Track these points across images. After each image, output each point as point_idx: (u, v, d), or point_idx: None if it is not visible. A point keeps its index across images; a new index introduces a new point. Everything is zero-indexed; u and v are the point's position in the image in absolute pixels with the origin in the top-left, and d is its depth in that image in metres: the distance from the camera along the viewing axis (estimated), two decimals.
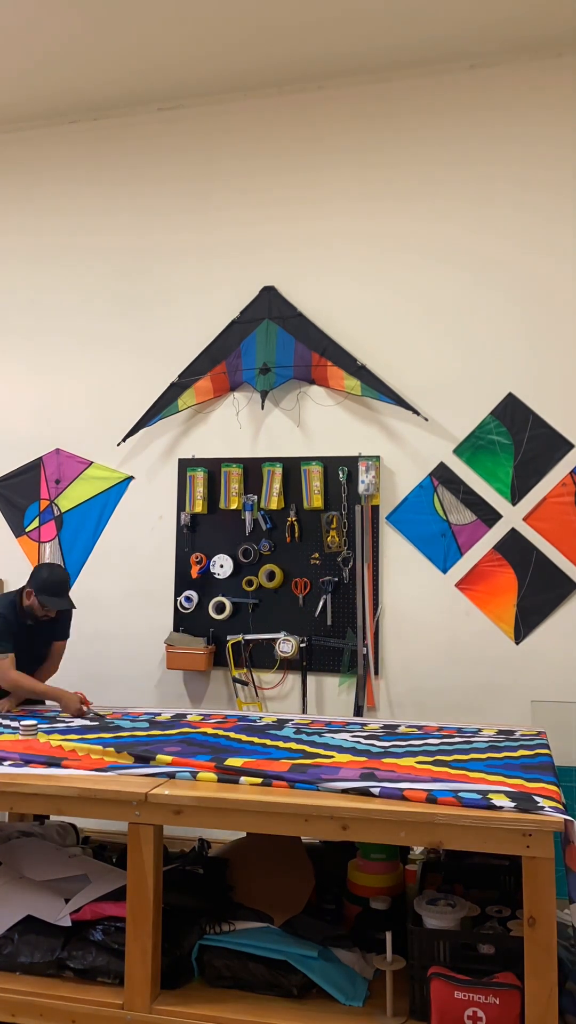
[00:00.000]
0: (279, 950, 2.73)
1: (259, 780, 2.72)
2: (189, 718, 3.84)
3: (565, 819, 2.37)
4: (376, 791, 2.60)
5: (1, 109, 5.03)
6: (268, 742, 3.27)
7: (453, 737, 3.43)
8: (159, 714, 3.98)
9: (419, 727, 3.67)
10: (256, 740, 3.30)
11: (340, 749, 3.16)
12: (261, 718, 3.84)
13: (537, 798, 2.51)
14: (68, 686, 4.87)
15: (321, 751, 3.13)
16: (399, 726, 3.69)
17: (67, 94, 4.87)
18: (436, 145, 4.53)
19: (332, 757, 3.03)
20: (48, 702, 4.01)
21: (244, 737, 3.35)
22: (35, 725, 3.39)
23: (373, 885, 3.03)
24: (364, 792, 2.60)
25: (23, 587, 3.97)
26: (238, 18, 4.15)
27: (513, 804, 2.46)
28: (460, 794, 2.53)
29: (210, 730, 3.48)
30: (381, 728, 3.62)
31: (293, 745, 3.20)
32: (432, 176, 4.53)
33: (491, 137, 4.44)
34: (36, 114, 5.08)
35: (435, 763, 2.96)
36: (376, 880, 3.04)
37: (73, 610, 4.07)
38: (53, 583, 3.87)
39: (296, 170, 4.73)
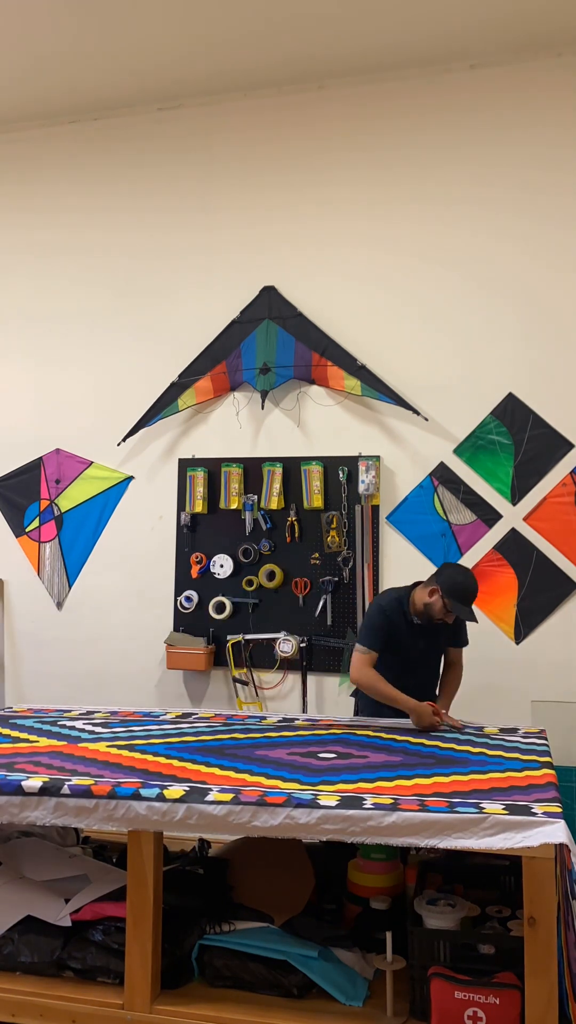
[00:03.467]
0: (279, 950, 2.73)
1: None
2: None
3: (560, 844, 2.35)
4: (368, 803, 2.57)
5: (1, 109, 5.03)
6: (271, 740, 3.28)
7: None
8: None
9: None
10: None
11: (57, 736, 3.33)
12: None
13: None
14: (68, 686, 4.89)
15: (31, 737, 3.30)
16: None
17: (67, 94, 4.87)
18: (436, 145, 4.52)
19: (37, 742, 3.21)
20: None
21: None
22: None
23: (373, 885, 3.03)
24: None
25: (418, 582, 3.66)
26: (238, 18, 4.15)
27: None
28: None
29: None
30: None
31: (13, 732, 3.38)
32: (432, 176, 4.53)
33: (491, 137, 4.44)
34: (36, 114, 5.08)
35: (127, 747, 3.13)
36: (376, 880, 3.03)
37: (475, 622, 3.69)
38: (466, 589, 3.50)
39: (296, 170, 4.73)
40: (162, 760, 2.99)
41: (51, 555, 5.02)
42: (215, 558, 4.70)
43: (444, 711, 3.58)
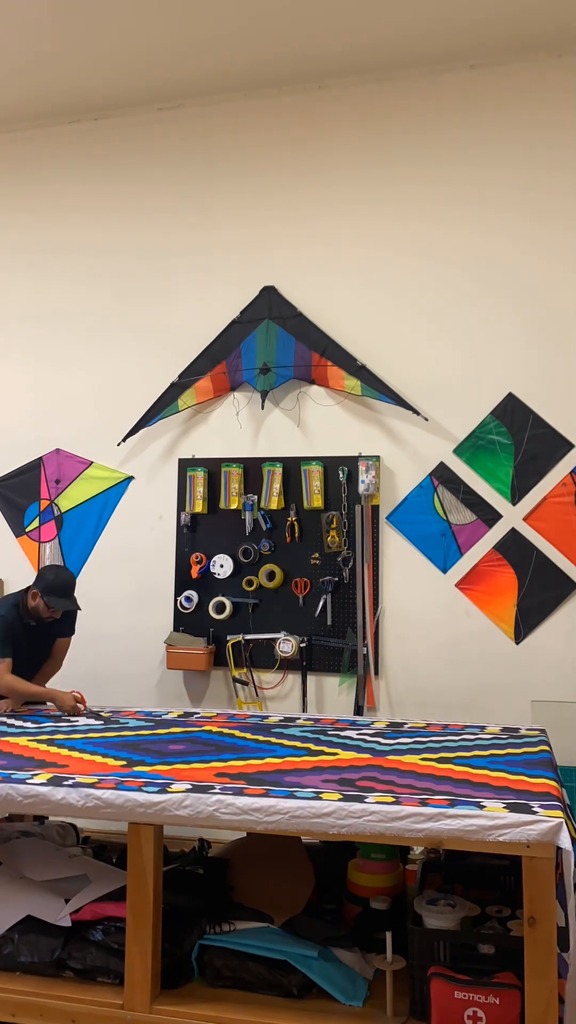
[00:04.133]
0: (279, 950, 2.73)
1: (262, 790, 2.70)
2: (199, 716, 3.85)
3: (565, 850, 2.36)
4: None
5: (1, 109, 5.03)
6: (273, 739, 3.28)
7: (461, 732, 3.43)
8: (167, 713, 3.98)
9: (425, 724, 3.68)
10: (261, 738, 3.31)
11: (344, 747, 3.17)
12: (267, 717, 3.84)
13: (534, 804, 2.50)
14: (68, 686, 4.87)
15: (325, 748, 3.13)
16: (405, 724, 3.69)
17: (67, 94, 4.87)
18: (436, 145, 4.52)
19: (336, 755, 3.04)
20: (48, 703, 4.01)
21: (249, 735, 3.36)
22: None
23: (373, 885, 3.03)
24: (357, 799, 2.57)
25: (27, 588, 3.99)
26: (238, 17, 4.15)
27: (508, 812, 2.44)
28: (457, 805, 2.51)
29: (215, 728, 3.49)
30: (388, 726, 3.62)
31: (298, 744, 3.21)
32: (432, 175, 4.53)
33: (491, 137, 4.44)
34: (36, 114, 5.08)
35: (439, 760, 2.97)
36: (376, 880, 3.04)
37: (78, 610, 4.07)
38: (59, 584, 3.89)
39: (296, 170, 4.73)
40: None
41: (51, 555, 5.02)
42: (215, 558, 4.70)
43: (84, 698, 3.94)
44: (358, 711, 4.40)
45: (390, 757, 3.03)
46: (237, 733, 3.42)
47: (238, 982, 2.72)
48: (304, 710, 4.50)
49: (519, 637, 4.29)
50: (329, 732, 3.44)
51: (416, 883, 3.03)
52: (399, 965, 2.62)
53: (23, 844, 3.27)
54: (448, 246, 4.49)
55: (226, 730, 3.47)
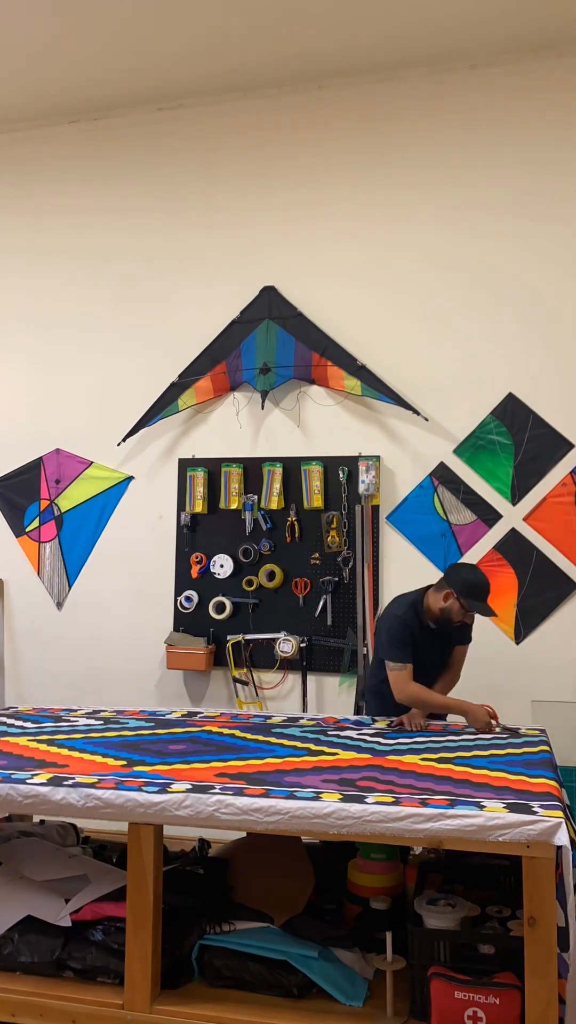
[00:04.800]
0: (279, 950, 2.72)
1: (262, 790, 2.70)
2: (201, 716, 3.85)
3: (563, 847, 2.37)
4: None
5: (1, 109, 5.03)
6: (273, 740, 3.29)
7: (461, 732, 3.43)
8: (170, 713, 3.98)
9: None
10: (261, 738, 3.32)
11: (345, 747, 3.18)
12: (269, 717, 3.83)
13: (534, 804, 2.51)
14: (69, 685, 4.89)
15: (326, 748, 3.14)
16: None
17: (67, 94, 4.87)
18: (436, 145, 4.52)
19: (336, 755, 3.04)
20: None
21: (249, 736, 3.36)
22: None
23: (373, 885, 3.02)
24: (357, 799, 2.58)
25: (428, 586, 3.64)
26: (238, 18, 4.15)
27: (508, 812, 2.45)
28: (457, 806, 2.51)
29: (216, 728, 3.49)
30: (388, 726, 3.61)
31: (298, 744, 3.22)
32: (432, 176, 4.53)
33: (491, 137, 4.44)
34: (36, 114, 5.08)
35: (439, 760, 2.97)
36: (376, 880, 3.03)
37: (494, 616, 3.71)
38: (479, 586, 3.50)
39: (296, 170, 4.73)
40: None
41: (51, 555, 5.02)
42: (215, 558, 4.70)
43: (496, 712, 3.54)
44: (358, 711, 4.40)
45: (390, 757, 3.03)
46: (237, 733, 3.42)
47: (238, 982, 2.72)
48: (304, 710, 4.50)
49: (519, 637, 4.29)
50: (330, 732, 3.44)
51: (416, 883, 3.03)
52: (399, 965, 2.61)
53: (23, 844, 3.27)
54: (448, 246, 4.49)
55: (226, 730, 3.47)
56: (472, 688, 4.26)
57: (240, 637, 4.61)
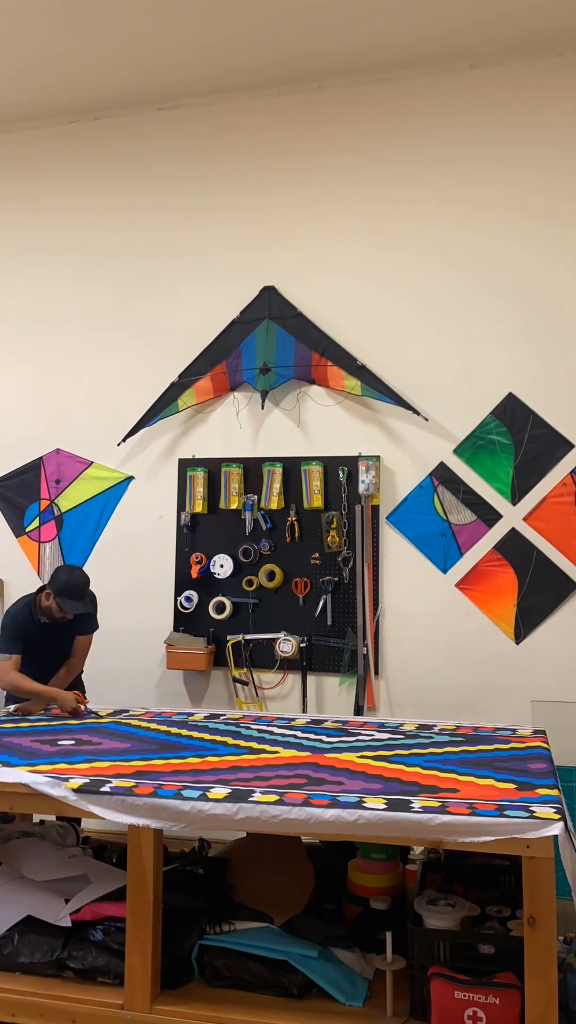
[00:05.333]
0: (279, 950, 2.73)
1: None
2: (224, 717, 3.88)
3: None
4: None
5: (1, 109, 5.03)
6: (219, 739, 3.34)
7: (425, 737, 3.44)
8: (190, 715, 3.98)
9: (455, 726, 3.69)
10: (207, 736, 3.38)
11: (287, 744, 3.24)
12: (293, 720, 3.85)
13: (413, 800, 2.51)
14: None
15: (267, 747, 3.19)
16: (435, 726, 3.68)
17: (67, 94, 4.87)
18: (436, 145, 4.52)
19: (277, 753, 3.10)
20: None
21: (195, 734, 3.43)
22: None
23: (373, 885, 3.03)
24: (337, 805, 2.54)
25: (42, 587, 3.99)
26: (238, 17, 4.15)
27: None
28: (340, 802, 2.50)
29: (152, 725, 3.59)
30: (418, 728, 3.60)
31: (242, 742, 3.28)
32: (432, 175, 4.53)
33: (491, 137, 4.44)
34: (36, 114, 5.08)
35: (376, 758, 3.02)
36: (376, 880, 3.04)
37: (90, 612, 4.05)
38: (72, 585, 3.87)
39: (296, 170, 4.73)
40: (438, 773, 2.86)
41: (51, 555, 5.02)
42: (215, 558, 4.70)
43: (86, 698, 4.01)
44: (358, 711, 4.40)
45: (328, 755, 3.04)
46: (184, 732, 3.48)
47: (238, 982, 2.72)
48: (304, 710, 4.50)
49: (519, 637, 4.29)
50: (275, 730, 3.49)
51: (416, 883, 3.03)
52: (399, 965, 2.62)
53: (23, 844, 3.27)
54: (448, 246, 4.49)
55: (164, 728, 3.55)
56: (472, 688, 4.28)
57: (240, 637, 4.61)
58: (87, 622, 4.11)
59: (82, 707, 3.86)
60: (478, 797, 2.56)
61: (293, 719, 3.82)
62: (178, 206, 4.92)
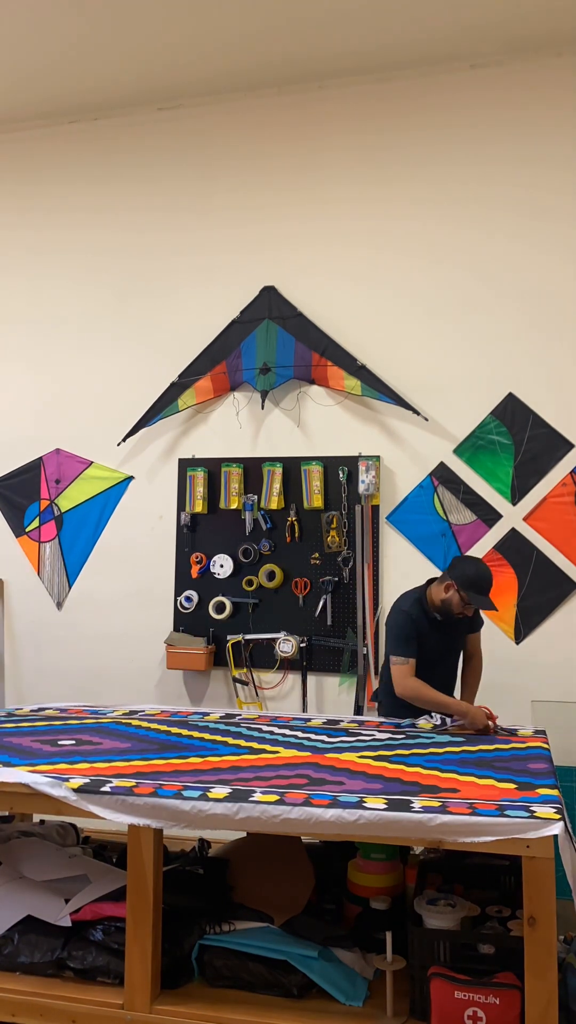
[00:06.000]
0: (279, 950, 2.72)
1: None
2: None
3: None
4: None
5: (1, 109, 5.03)
6: (219, 739, 3.34)
7: (417, 737, 3.43)
8: (205, 714, 3.96)
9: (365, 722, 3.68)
10: (207, 736, 3.37)
11: (287, 745, 3.22)
12: (310, 720, 3.83)
13: (413, 800, 2.51)
14: (68, 685, 4.89)
15: (268, 747, 3.18)
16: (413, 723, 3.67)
17: (67, 94, 4.87)
18: (436, 145, 4.53)
19: (278, 753, 3.09)
20: None
21: (196, 734, 3.42)
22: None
23: (373, 885, 3.02)
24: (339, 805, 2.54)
25: (431, 580, 3.68)
26: (238, 18, 4.15)
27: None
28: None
29: (155, 725, 3.56)
30: (433, 728, 3.60)
31: (242, 742, 3.26)
32: (432, 175, 4.53)
33: (491, 137, 4.44)
34: (36, 114, 5.08)
35: (376, 758, 3.01)
36: (376, 880, 3.03)
37: (495, 610, 3.76)
38: (481, 579, 3.50)
39: (296, 170, 4.73)
40: (439, 773, 2.85)
41: (51, 555, 5.02)
42: (215, 558, 4.70)
43: (495, 714, 3.51)
44: (358, 711, 4.40)
45: (328, 755, 3.05)
46: (195, 734, 3.45)
47: (238, 982, 2.71)
48: (304, 710, 4.50)
49: (519, 637, 4.29)
50: (276, 729, 3.49)
51: (416, 883, 3.03)
52: (399, 965, 2.61)
53: (23, 844, 3.27)
54: (448, 246, 4.49)
55: (164, 727, 3.52)
56: None
57: (240, 637, 4.61)
58: (479, 616, 3.78)
59: (491, 724, 3.42)
60: (479, 797, 2.56)
61: (309, 719, 3.77)
62: (178, 206, 4.92)
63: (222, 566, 4.68)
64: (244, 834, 3.28)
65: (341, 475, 4.55)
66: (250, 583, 4.64)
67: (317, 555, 4.57)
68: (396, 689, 3.53)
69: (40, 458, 5.10)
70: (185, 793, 2.62)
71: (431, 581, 3.66)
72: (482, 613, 3.81)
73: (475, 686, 3.81)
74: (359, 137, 4.64)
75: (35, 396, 5.13)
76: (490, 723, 3.43)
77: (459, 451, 4.43)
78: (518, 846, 2.38)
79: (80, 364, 5.06)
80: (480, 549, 4.35)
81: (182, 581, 4.75)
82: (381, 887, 3.02)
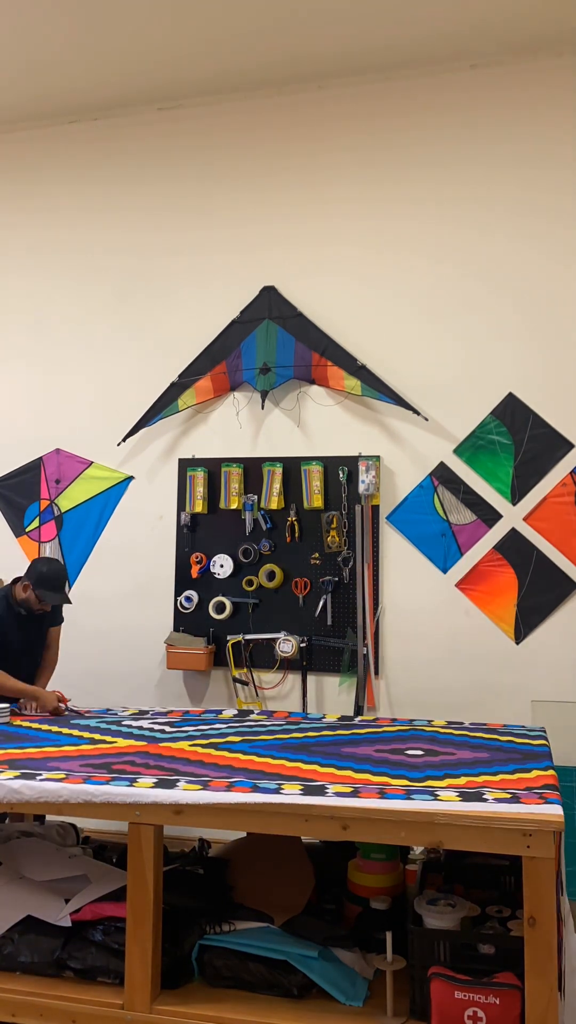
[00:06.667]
0: (279, 950, 2.73)
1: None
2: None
3: None
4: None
5: (1, 109, 5.03)
6: (65, 731, 3.49)
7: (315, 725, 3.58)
8: (218, 712, 3.98)
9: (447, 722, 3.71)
10: (64, 731, 3.50)
11: (130, 735, 3.38)
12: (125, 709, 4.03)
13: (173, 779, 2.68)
14: (68, 685, 4.88)
15: (107, 738, 3.32)
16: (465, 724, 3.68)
17: (67, 94, 4.87)
18: (436, 145, 4.52)
19: (115, 743, 3.25)
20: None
21: (65, 730, 3.52)
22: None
23: (373, 885, 3.03)
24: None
25: (16, 578, 4.04)
26: (238, 18, 4.15)
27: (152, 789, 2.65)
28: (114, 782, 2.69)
29: (45, 726, 3.66)
30: (447, 724, 3.65)
31: (85, 734, 3.42)
32: (432, 175, 4.53)
33: (491, 137, 4.44)
34: (36, 114, 5.08)
35: (209, 746, 3.18)
36: (376, 880, 3.04)
37: (68, 603, 4.10)
38: (51, 577, 3.91)
39: (296, 170, 4.73)
40: (255, 759, 3.02)
41: (51, 555, 5.02)
42: (215, 558, 4.70)
43: (66, 697, 4.00)
44: (358, 711, 4.40)
45: (163, 744, 3.18)
46: (44, 727, 3.58)
47: (238, 982, 2.72)
48: (304, 710, 4.50)
49: (519, 637, 4.29)
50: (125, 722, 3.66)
51: (416, 883, 3.03)
52: (399, 965, 2.62)
53: (23, 844, 3.27)
54: (448, 246, 4.49)
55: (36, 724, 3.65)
56: (472, 687, 4.28)
57: (240, 637, 4.61)
58: (57, 613, 4.18)
59: (62, 706, 3.87)
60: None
61: (220, 711, 4.02)
62: (178, 206, 4.92)
63: (222, 566, 4.68)
64: (244, 834, 3.28)
65: (341, 475, 4.55)
66: (250, 583, 4.64)
67: (317, 555, 4.56)
68: None
69: (40, 458, 5.10)
70: None
71: (16, 580, 4.01)
72: (61, 612, 4.20)
73: (49, 673, 4.19)
74: (359, 137, 4.64)
75: (35, 396, 5.13)
76: (60, 705, 3.85)
77: (459, 451, 4.43)
78: (518, 846, 2.38)
79: (80, 364, 5.06)
80: (480, 549, 4.35)
81: (182, 581, 4.75)
82: (381, 887, 3.02)
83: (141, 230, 4.98)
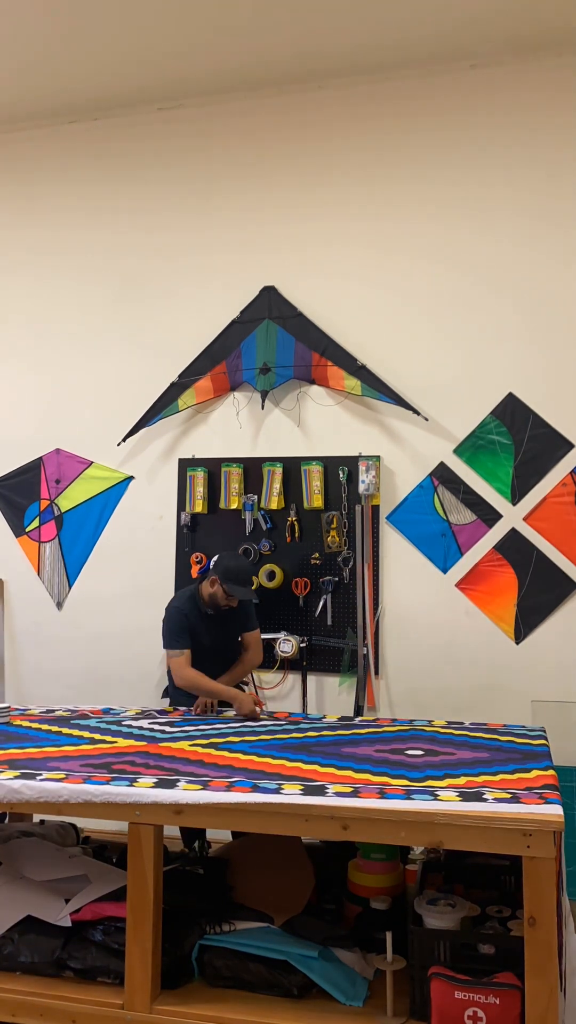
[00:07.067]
0: (279, 950, 2.73)
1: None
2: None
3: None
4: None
5: (1, 109, 5.03)
6: (66, 731, 3.48)
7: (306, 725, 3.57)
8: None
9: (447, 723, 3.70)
10: (65, 731, 3.49)
11: (130, 735, 3.38)
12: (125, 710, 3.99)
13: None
14: (69, 685, 4.89)
15: (107, 738, 3.33)
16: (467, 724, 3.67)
17: (67, 94, 4.87)
18: (436, 145, 4.52)
19: (115, 743, 3.25)
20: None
21: (65, 731, 3.52)
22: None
23: (373, 885, 3.03)
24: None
25: (204, 576, 3.96)
26: (238, 17, 4.15)
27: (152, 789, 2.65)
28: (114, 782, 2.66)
29: (45, 726, 3.65)
30: (448, 724, 3.64)
31: (85, 734, 3.41)
32: (432, 175, 4.53)
33: (491, 137, 4.44)
34: (36, 114, 5.08)
35: (209, 746, 3.17)
36: (376, 880, 3.04)
37: (255, 602, 4.07)
38: (239, 571, 3.84)
39: (296, 170, 4.73)
40: (256, 758, 3.01)
41: (51, 555, 5.02)
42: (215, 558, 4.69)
43: (262, 700, 3.93)
44: (358, 711, 4.40)
45: (163, 744, 3.14)
46: (44, 727, 3.57)
47: (238, 982, 2.72)
48: (304, 710, 4.50)
49: (519, 637, 4.29)
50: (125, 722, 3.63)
51: (416, 883, 3.03)
52: (399, 965, 2.62)
53: (23, 844, 3.27)
54: (448, 246, 4.49)
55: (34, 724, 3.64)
56: (472, 687, 4.28)
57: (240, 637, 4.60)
58: (251, 618, 4.08)
59: (258, 709, 3.73)
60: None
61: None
62: (178, 206, 4.92)
63: None
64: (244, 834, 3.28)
65: (341, 475, 4.55)
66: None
67: (317, 555, 4.57)
68: (175, 680, 3.84)
69: (40, 458, 5.10)
70: None
71: (202, 579, 3.95)
72: (256, 620, 4.13)
73: (240, 674, 4.11)
74: (359, 137, 4.64)
75: (35, 396, 5.13)
76: (256, 708, 3.71)
77: (459, 451, 4.43)
78: (518, 846, 2.38)
79: (80, 364, 5.06)
80: (480, 549, 4.35)
81: (182, 581, 4.75)
82: (381, 887, 3.02)
83: (141, 230, 4.98)
